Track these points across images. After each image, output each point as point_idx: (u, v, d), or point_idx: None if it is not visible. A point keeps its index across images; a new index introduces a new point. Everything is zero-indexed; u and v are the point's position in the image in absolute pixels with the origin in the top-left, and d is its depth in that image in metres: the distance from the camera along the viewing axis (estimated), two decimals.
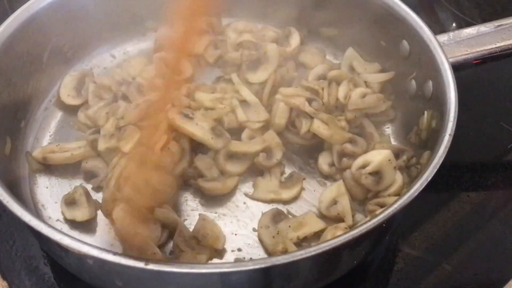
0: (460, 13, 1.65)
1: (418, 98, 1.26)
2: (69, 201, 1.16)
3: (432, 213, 1.26)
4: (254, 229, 1.15)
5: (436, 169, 0.98)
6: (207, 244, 1.09)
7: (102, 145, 1.20)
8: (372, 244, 1.09)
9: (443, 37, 1.22)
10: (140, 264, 0.85)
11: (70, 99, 1.33)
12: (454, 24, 1.65)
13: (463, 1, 1.69)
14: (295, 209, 1.18)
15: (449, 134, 1.04)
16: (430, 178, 0.97)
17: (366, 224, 0.90)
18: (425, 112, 1.20)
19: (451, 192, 1.30)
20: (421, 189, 0.96)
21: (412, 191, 0.95)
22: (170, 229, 1.12)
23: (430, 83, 1.20)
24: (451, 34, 1.23)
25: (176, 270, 0.85)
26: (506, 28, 1.23)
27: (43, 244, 1.12)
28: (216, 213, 1.17)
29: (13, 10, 1.24)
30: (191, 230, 1.12)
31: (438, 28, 1.61)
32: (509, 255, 1.19)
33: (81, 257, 0.90)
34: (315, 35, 1.46)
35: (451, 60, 1.17)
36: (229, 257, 1.11)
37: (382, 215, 0.92)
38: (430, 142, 1.15)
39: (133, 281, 0.96)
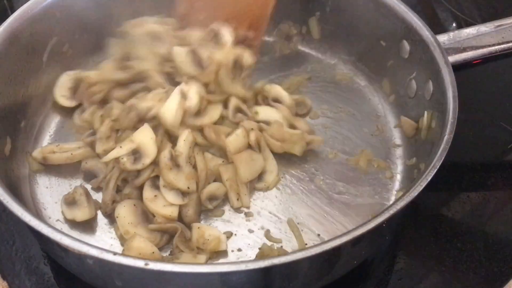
0: (460, 13, 1.65)
1: (418, 98, 1.26)
2: (69, 201, 1.16)
3: (432, 213, 1.26)
4: (251, 230, 1.15)
5: (436, 169, 0.98)
6: (210, 249, 1.09)
7: (99, 148, 1.19)
8: (372, 244, 1.09)
9: (443, 37, 1.22)
10: (140, 264, 0.85)
11: (64, 100, 1.32)
12: (454, 24, 1.65)
13: (463, 1, 1.69)
14: None
15: (449, 134, 1.04)
16: (430, 178, 0.97)
17: (366, 224, 0.90)
18: (425, 112, 1.20)
19: (451, 192, 1.30)
20: (421, 189, 0.96)
21: (412, 191, 0.95)
22: (170, 233, 1.12)
23: (430, 83, 1.20)
24: (451, 34, 1.23)
25: (176, 270, 0.85)
26: (506, 28, 1.23)
27: (43, 244, 1.12)
28: (215, 216, 1.18)
29: (13, 10, 1.24)
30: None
31: (438, 28, 1.61)
32: (509, 255, 1.19)
33: (81, 257, 0.90)
34: (314, 36, 1.47)
35: (451, 60, 1.17)
36: (229, 257, 1.11)
37: (382, 215, 0.92)
38: (430, 142, 1.15)
39: (133, 281, 0.96)
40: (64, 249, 0.90)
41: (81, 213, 1.14)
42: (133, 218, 1.11)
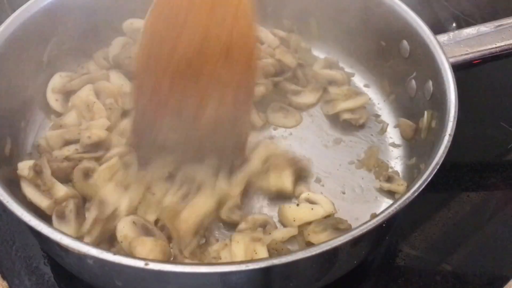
0: (460, 13, 1.66)
1: (418, 98, 1.26)
2: (59, 214, 1.11)
3: (432, 213, 1.26)
4: None
5: (436, 169, 0.98)
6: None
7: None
8: (372, 244, 1.09)
9: (443, 37, 1.22)
10: (140, 264, 0.85)
11: (56, 104, 1.30)
12: (454, 24, 1.65)
13: (463, 1, 1.70)
14: None
15: (449, 134, 1.04)
16: (430, 178, 0.97)
17: (366, 224, 0.90)
18: (425, 112, 1.20)
19: (451, 192, 1.30)
20: (421, 189, 0.96)
21: (412, 191, 0.95)
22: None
23: (430, 83, 1.20)
24: (451, 34, 1.24)
25: (176, 270, 0.85)
26: (506, 28, 1.23)
27: (43, 244, 1.12)
28: None
29: (13, 10, 1.24)
30: None
31: (438, 28, 1.61)
32: (509, 255, 1.19)
33: (81, 257, 0.90)
34: (314, 36, 1.47)
35: (451, 60, 1.17)
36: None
37: (382, 215, 0.92)
38: (430, 142, 1.15)
39: (133, 281, 0.96)
40: (64, 249, 0.90)
41: (66, 229, 1.08)
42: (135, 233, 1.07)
